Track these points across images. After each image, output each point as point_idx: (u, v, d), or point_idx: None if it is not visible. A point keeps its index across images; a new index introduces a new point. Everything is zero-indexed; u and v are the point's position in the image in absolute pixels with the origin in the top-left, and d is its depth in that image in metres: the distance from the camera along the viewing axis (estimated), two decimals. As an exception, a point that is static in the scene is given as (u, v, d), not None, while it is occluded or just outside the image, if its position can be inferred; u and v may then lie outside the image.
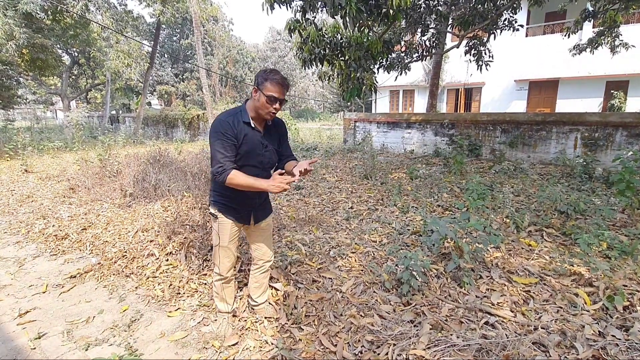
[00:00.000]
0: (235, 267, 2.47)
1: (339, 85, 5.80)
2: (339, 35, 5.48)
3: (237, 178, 1.78)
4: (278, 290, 2.61)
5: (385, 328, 2.15)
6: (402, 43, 8.65)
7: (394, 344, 1.98)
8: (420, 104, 18.71)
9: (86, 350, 2.10)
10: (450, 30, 9.16)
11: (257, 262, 2.27)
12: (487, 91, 16.91)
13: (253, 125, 1.88)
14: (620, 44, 9.54)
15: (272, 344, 2.08)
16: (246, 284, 2.69)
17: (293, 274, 2.86)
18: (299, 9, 5.12)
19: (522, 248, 3.26)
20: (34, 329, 2.30)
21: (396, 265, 2.80)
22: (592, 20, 9.33)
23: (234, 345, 2.09)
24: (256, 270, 2.28)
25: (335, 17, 4.82)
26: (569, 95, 14.95)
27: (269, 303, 2.43)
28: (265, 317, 2.31)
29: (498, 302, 2.38)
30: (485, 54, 8.58)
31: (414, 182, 5.96)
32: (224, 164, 1.78)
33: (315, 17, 5.43)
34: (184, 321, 2.36)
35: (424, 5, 7.59)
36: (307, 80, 39.50)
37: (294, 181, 1.76)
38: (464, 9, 7.71)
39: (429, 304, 2.38)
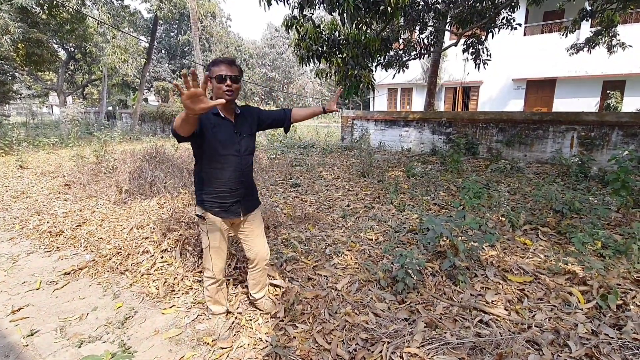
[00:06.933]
0: (226, 269, 2.44)
1: (337, 82, 5.77)
2: (336, 32, 5.44)
3: (177, 120, 1.64)
4: (279, 287, 2.60)
5: (380, 326, 2.15)
6: (400, 41, 8.64)
7: (388, 342, 1.99)
8: (418, 102, 18.69)
9: (79, 347, 2.08)
10: (449, 29, 9.13)
11: (252, 262, 2.24)
12: (485, 90, 16.93)
13: (223, 116, 1.94)
14: (618, 43, 9.55)
15: (266, 341, 2.07)
16: (241, 282, 2.69)
17: (288, 271, 2.86)
18: (296, 5, 5.09)
19: (518, 247, 3.27)
20: (27, 326, 2.28)
21: (392, 263, 2.81)
22: (590, 20, 9.34)
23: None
24: (253, 269, 2.27)
25: (333, 14, 4.79)
26: (566, 94, 15.00)
27: (268, 297, 2.44)
28: (264, 311, 2.32)
29: (492, 301, 2.39)
30: (483, 52, 8.59)
31: (410, 181, 5.96)
32: None
33: (312, 14, 5.40)
34: (178, 318, 2.35)
35: (422, 3, 7.57)
36: (305, 78, 39.37)
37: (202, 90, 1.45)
38: (462, 7, 7.69)
39: (424, 302, 2.38)
